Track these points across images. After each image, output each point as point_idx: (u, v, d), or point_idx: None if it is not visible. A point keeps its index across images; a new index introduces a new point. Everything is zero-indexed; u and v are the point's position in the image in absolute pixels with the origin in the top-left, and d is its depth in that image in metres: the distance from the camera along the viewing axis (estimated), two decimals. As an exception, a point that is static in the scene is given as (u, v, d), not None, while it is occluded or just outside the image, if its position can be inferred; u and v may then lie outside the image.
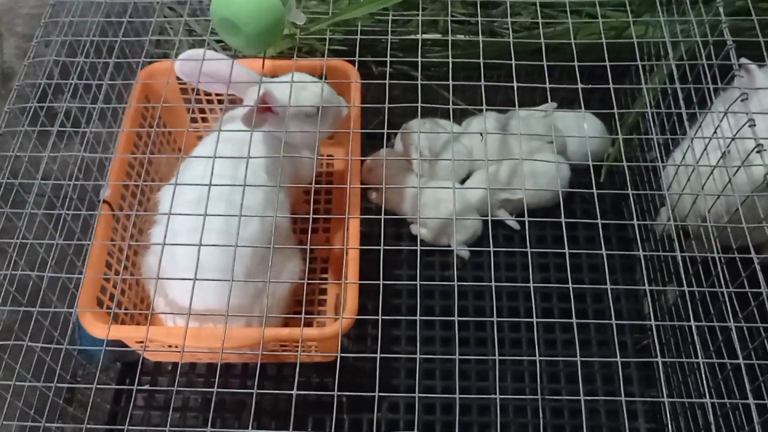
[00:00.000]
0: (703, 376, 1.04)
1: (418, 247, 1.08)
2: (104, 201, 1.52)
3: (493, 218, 1.78)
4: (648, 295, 1.22)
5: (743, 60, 1.31)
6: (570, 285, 1.02)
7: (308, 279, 1.73)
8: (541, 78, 1.22)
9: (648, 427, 1.60)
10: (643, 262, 1.03)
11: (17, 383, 1.11)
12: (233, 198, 1.33)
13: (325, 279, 1.79)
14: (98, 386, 0.98)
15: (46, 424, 1.03)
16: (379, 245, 1.13)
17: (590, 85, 1.17)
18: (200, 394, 1.68)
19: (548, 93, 1.18)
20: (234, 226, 1.26)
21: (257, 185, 1.40)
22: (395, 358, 1.70)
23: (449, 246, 1.84)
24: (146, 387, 1.70)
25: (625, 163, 1.13)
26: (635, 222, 1.07)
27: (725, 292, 1.03)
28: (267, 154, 1.51)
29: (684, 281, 1.06)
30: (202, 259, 1.11)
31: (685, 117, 1.25)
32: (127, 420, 1.26)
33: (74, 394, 1.85)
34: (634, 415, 1.62)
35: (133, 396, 1.51)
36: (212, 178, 1.17)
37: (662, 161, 1.57)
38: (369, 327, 1.76)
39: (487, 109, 1.16)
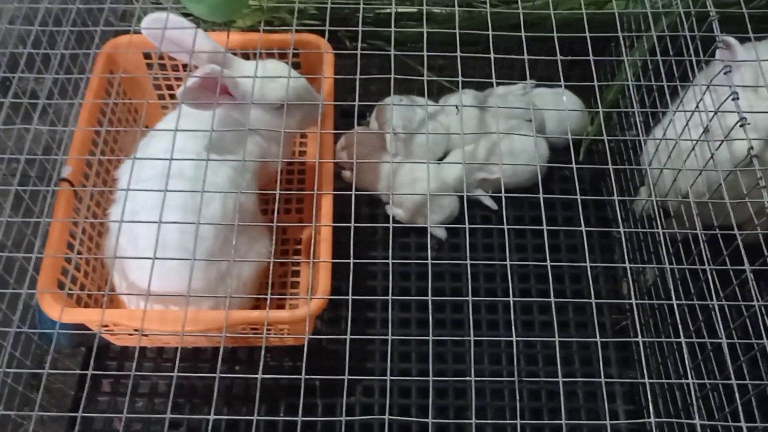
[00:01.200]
0: (684, 356, 1.01)
1: (391, 225, 1.03)
2: (65, 179, 1.46)
3: (470, 195, 1.73)
4: (628, 273, 1.19)
5: (724, 36, 1.28)
6: (548, 263, 0.98)
7: (280, 261, 1.71)
8: (519, 54, 1.17)
9: (626, 409, 1.58)
10: (623, 239, 0.98)
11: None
12: (196, 176, 1.27)
13: (297, 262, 1.74)
14: (50, 371, 0.92)
15: (6, 412, 0.97)
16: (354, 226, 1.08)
17: (570, 57, 1.13)
18: (168, 380, 1.62)
19: (527, 66, 1.14)
20: (195, 204, 1.21)
21: (221, 159, 1.34)
22: (370, 341, 1.66)
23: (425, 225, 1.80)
24: (103, 372, 1.64)
25: (605, 138, 1.09)
26: (615, 198, 1.03)
27: (708, 270, 0.99)
28: (232, 135, 1.42)
29: (665, 260, 1.02)
30: (163, 239, 1.05)
31: (666, 91, 1.21)
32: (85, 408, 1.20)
33: (40, 381, 1.79)
34: (613, 397, 1.60)
35: (87, 381, 1.45)
36: (174, 154, 1.11)
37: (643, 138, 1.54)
38: (343, 310, 1.72)
39: (463, 82, 1.11)
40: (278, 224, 1.00)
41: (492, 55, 1.13)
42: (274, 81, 1.38)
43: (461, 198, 1.80)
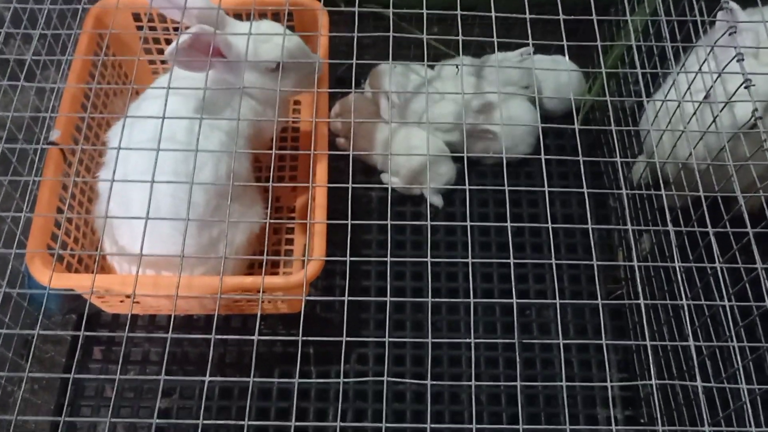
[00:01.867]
0: (684, 321, 1.00)
1: (389, 188, 1.01)
2: (53, 143, 1.43)
3: (470, 155, 1.71)
4: (631, 234, 1.17)
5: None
6: (549, 225, 0.96)
7: (275, 230, 1.68)
8: (518, 22, 1.14)
9: (620, 377, 1.58)
10: (625, 201, 0.96)
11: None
12: (189, 141, 1.24)
13: (292, 228, 1.72)
14: (41, 332, 0.89)
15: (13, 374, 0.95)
16: (346, 194, 1.06)
17: (573, 17, 1.10)
18: (160, 347, 1.61)
19: (528, 25, 1.11)
20: (187, 169, 1.18)
21: (215, 118, 1.30)
22: (365, 308, 1.65)
23: (421, 195, 1.78)
24: (104, 341, 1.62)
25: (608, 99, 1.07)
26: (618, 159, 1.01)
27: (711, 232, 0.98)
28: (224, 99, 1.39)
29: (666, 225, 1.00)
30: (156, 205, 1.02)
31: (669, 53, 1.19)
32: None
33: (31, 349, 1.77)
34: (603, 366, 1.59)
35: (79, 347, 1.43)
36: (166, 116, 1.07)
37: (642, 105, 1.52)
38: (337, 278, 1.70)
39: (463, 41, 1.08)
40: (274, 185, 0.96)
41: (493, 14, 1.10)
42: (268, 41, 1.34)
43: (457, 166, 1.78)
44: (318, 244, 1.33)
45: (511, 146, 1.76)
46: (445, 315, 1.63)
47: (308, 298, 0.92)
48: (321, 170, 1.43)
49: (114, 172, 1.03)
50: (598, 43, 1.09)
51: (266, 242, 1.11)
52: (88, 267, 1.51)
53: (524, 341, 1.10)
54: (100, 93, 1.61)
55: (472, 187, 0.96)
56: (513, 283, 0.85)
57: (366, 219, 1.77)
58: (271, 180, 1.00)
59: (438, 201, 1.77)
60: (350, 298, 0.91)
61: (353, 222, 0.97)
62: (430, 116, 1.74)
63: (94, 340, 1.61)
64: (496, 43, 1.11)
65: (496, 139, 1.73)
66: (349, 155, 1.78)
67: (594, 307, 1.64)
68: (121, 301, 1.50)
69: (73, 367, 1.00)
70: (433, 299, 0.87)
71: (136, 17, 1.64)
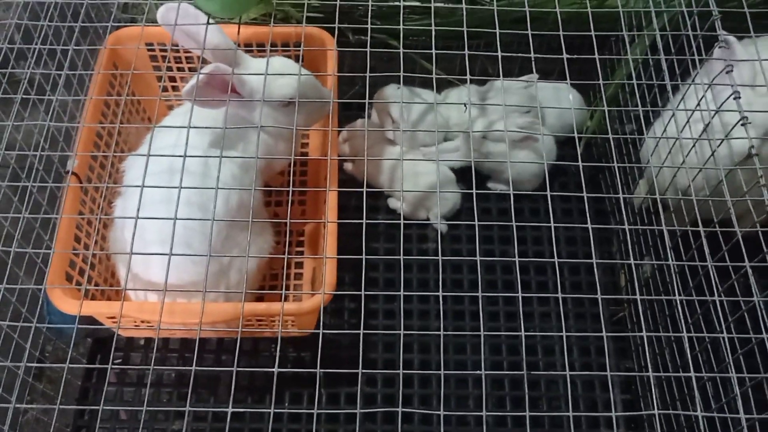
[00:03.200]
0: (684, 348, 1.04)
1: (402, 222, 1.05)
2: (71, 173, 1.47)
3: (479, 191, 1.76)
4: (633, 265, 1.21)
5: (722, 33, 1.30)
6: (556, 259, 1.01)
7: (283, 250, 1.73)
8: (520, 49, 1.19)
9: (623, 399, 1.61)
10: (627, 233, 1.01)
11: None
12: (202, 171, 1.28)
13: (301, 253, 1.76)
14: (70, 365, 0.94)
15: (17, 405, 0.99)
16: (356, 218, 1.11)
17: (575, 56, 1.15)
18: (174, 370, 1.64)
19: (533, 63, 1.16)
20: (199, 200, 1.22)
21: (233, 156, 1.35)
22: (371, 328, 1.69)
23: (428, 219, 1.82)
24: (119, 364, 1.66)
25: (610, 136, 1.11)
26: (620, 195, 1.06)
27: (709, 265, 1.02)
28: (236, 133, 1.42)
29: (666, 255, 1.05)
30: (168, 234, 1.06)
31: (668, 88, 1.24)
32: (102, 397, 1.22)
33: (43, 371, 1.81)
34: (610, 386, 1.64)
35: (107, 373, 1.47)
36: (182, 150, 1.12)
37: (642, 133, 1.56)
38: (346, 300, 1.74)
39: (470, 80, 1.13)
40: (291, 221, 1.01)
41: (499, 54, 1.15)
42: (281, 78, 1.38)
43: (462, 192, 1.83)
44: (329, 271, 1.37)
45: (516, 181, 1.80)
46: (452, 339, 1.67)
47: (325, 331, 0.95)
48: (332, 198, 1.47)
49: (138, 208, 1.07)
50: (600, 82, 1.14)
51: (284, 268, 1.15)
52: (104, 292, 1.55)
53: (532, 373, 1.14)
54: (115, 122, 1.66)
55: (481, 223, 1.00)
56: (521, 319, 0.89)
57: (374, 239, 1.81)
58: (288, 216, 1.04)
59: (443, 227, 1.81)
60: (365, 331, 0.95)
61: (366, 257, 1.01)
62: (440, 149, 1.78)
63: (108, 363, 1.65)
64: (501, 79, 1.16)
65: (502, 167, 1.77)
66: (355, 174, 1.85)
67: (597, 329, 1.69)
68: (136, 325, 1.54)
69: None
70: (439, 331, 0.91)
71: (150, 47, 1.69)
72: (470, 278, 1.77)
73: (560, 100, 1.83)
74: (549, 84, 1.90)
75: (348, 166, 1.89)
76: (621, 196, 1.06)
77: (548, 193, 1.03)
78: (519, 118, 1.74)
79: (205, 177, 1.33)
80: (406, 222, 1.83)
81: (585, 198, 1.03)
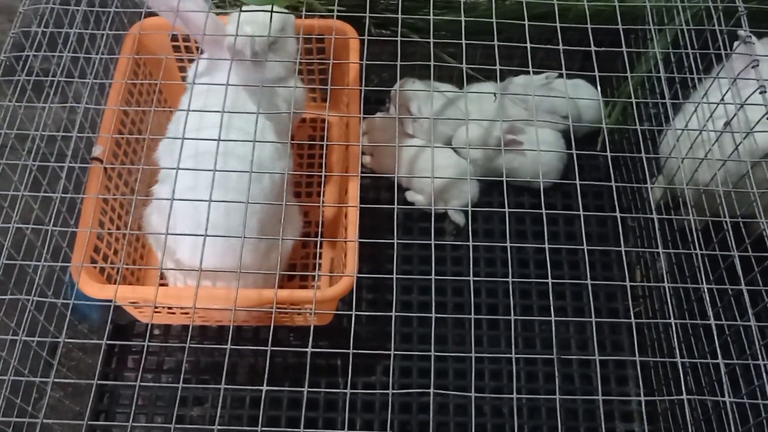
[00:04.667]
0: (714, 338, 1.05)
1: (432, 211, 1.07)
2: (96, 158, 1.48)
3: (509, 180, 1.76)
4: (661, 256, 1.22)
5: (741, 31, 1.31)
6: (585, 247, 1.02)
7: (303, 244, 1.74)
8: (541, 44, 1.20)
9: (637, 392, 1.63)
10: (655, 224, 1.02)
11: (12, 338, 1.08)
12: (245, 151, 1.26)
13: (320, 244, 1.77)
14: (108, 342, 0.95)
15: (40, 379, 1.00)
16: (372, 211, 1.11)
17: (603, 48, 1.16)
18: (193, 355, 1.65)
19: (561, 55, 1.17)
20: (233, 180, 1.23)
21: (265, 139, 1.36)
22: (389, 321, 1.70)
23: (445, 213, 1.84)
24: (138, 351, 1.67)
25: (638, 127, 1.12)
26: (649, 184, 1.07)
27: (735, 255, 1.03)
28: (251, 97, 1.41)
29: (697, 244, 1.06)
30: (199, 217, 1.07)
31: (695, 82, 1.25)
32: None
33: (60, 355, 1.82)
34: (625, 380, 1.65)
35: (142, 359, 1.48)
36: (212, 132, 1.12)
37: (660, 131, 1.58)
38: (363, 291, 1.75)
39: (484, 72, 1.14)
40: (325, 205, 1.02)
41: (528, 45, 1.16)
42: (252, 24, 1.34)
43: (480, 183, 1.84)
44: (350, 259, 1.39)
45: (537, 174, 1.81)
46: (474, 330, 1.68)
47: (357, 313, 0.97)
48: (353, 188, 1.49)
49: (173, 192, 1.08)
50: (628, 74, 1.15)
51: (318, 257, 1.15)
52: (126, 277, 1.57)
53: (562, 357, 1.15)
54: (138, 109, 1.67)
55: (511, 210, 1.01)
56: (552, 304, 0.90)
57: (389, 233, 1.82)
58: (321, 202, 1.05)
59: (460, 219, 1.82)
60: (397, 313, 0.96)
61: (394, 241, 1.03)
62: (456, 137, 1.79)
63: (128, 349, 1.66)
64: (531, 72, 1.17)
65: (523, 155, 1.78)
66: (373, 168, 1.87)
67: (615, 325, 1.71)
68: (157, 311, 1.55)
69: (96, 375, 1.04)
70: (475, 316, 0.92)
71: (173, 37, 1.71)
72: (487, 270, 1.78)
73: (578, 96, 1.84)
74: (568, 81, 1.91)
75: (366, 159, 1.90)
76: (648, 186, 1.07)
77: (577, 182, 1.04)
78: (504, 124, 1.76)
79: (249, 156, 1.32)
80: (424, 213, 1.84)
81: (613, 187, 1.04)
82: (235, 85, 1.21)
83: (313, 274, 1.63)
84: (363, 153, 1.89)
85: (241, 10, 1.22)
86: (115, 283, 1.50)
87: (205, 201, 1.01)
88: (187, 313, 1.47)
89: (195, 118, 1.33)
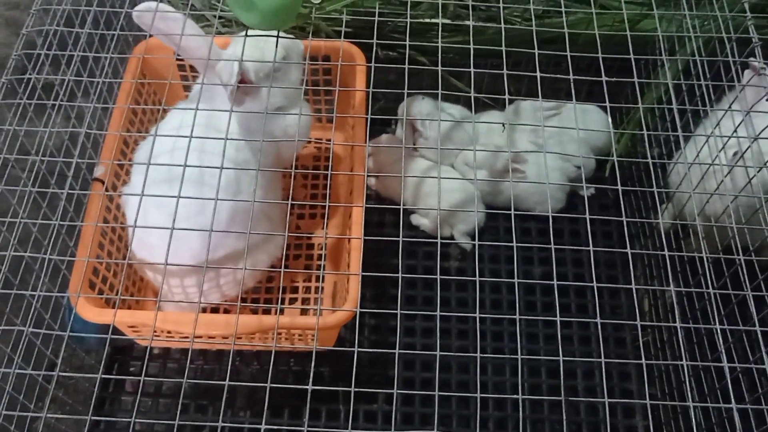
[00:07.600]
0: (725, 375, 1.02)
1: (439, 241, 1.05)
2: (97, 179, 1.47)
3: (517, 212, 1.74)
4: (673, 291, 1.19)
5: (755, 63, 1.29)
6: (595, 282, 0.99)
7: (306, 267, 1.71)
8: (548, 70, 1.18)
9: (644, 425, 1.60)
10: (666, 259, 0.99)
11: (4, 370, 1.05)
12: (212, 182, 1.26)
13: (321, 266, 1.74)
14: (103, 377, 0.92)
15: (33, 414, 0.98)
16: (378, 234, 1.09)
17: (615, 78, 1.14)
18: (191, 377, 1.63)
19: (572, 84, 1.15)
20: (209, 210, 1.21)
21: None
22: (392, 347, 1.67)
23: (451, 237, 1.81)
24: (136, 374, 1.64)
25: (650, 160, 1.11)
26: (660, 218, 1.05)
27: (749, 294, 1.01)
28: (239, 126, 1.41)
29: (705, 280, 1.03)
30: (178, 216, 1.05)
31: (703, 114, 1.23)
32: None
33: (57, 378, 1.79)
34: (632, 412, 1.61)
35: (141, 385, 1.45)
36: (179, 154, 1.11)
37: (671, 157, 1.55)
38: (366, 316, 1.73)
39: (493, 99, 1.12)
40: (328, 236, 1.00)
41: (538, 74, 1.14)
42: (263, 52, 1.34)
43: (487, 209, 1.82)
44: (353, 287, 1.37)
45: (541, 201, 1.79)
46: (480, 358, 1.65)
47: (360, 350, 0.94)
48: (357, 213, 1.46)
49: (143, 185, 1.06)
50: (640, 105, 1.13)
51: (321, 282, 1.14)
52: (124, 301, 1.54)
53: (570, 399, 1.12)
54: (142, 131, 1.66)
55: (519, 245, 0.99)
56: (560, 332, 0.87)
57: (395, 255, 1.80)
58: (325, 233, 1.03)
59: (467, 245, 1.79)
60: (401, 351, 0.94)
61: (403, 275, 1.00)
62: (461, 159, 1.77)
63: (126, 373, 1.63)
64: (540, 100, 1.15)
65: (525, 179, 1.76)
66: (379, 190, 1.84)
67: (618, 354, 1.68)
68: (156, 334, 1.53)
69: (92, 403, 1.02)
70: (481, 355, 0.90)
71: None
72: (492, 298, 1.75)
73: (587, 123, 1.82)
74: (578, 106, 1.88)
75: (371, 181, 1.88)
76: (660, 220, 1.04)
77: (588, 216, 1.01)
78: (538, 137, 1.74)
79: (206, 183, 1.31)
80: (430, 240, 1.81)
81: (624, 222, 1.02)
82: (236, 111, 1.19)
83: (315, 307, 1.60)
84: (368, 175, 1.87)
85: (246, 35, 1.20)
86: (114, 305, 1.49)
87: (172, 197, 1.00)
88: (186, 338, 1.45)
89: (169, 142, 1.32)
